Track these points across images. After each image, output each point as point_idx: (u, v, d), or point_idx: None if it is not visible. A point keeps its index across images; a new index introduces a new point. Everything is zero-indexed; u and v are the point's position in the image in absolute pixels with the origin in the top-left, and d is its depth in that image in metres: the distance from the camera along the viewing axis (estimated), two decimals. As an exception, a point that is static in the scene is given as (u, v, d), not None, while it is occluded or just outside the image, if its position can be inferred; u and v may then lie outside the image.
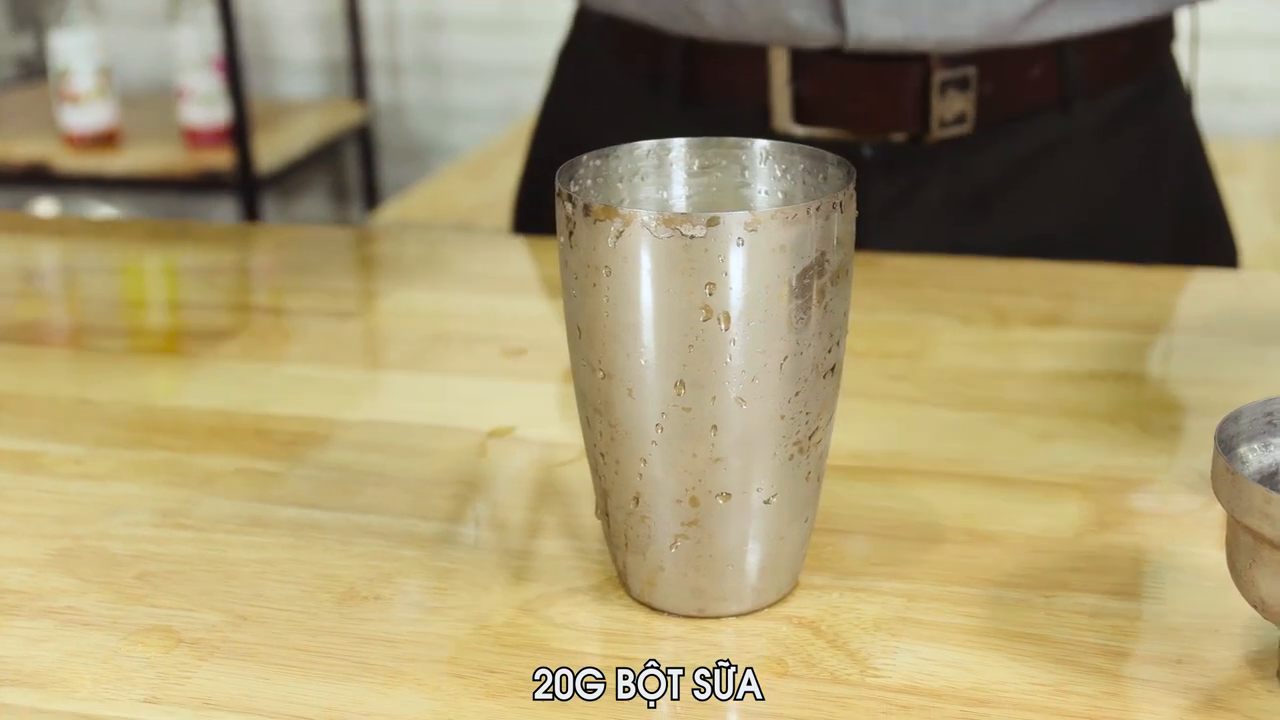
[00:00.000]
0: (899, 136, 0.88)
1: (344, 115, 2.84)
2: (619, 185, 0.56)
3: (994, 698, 0.50)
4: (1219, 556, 0.58)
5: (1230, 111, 2.46)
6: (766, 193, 0.57)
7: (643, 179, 0.57)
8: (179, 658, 0.53)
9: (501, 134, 2.85)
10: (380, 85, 2.95)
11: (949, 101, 0.87)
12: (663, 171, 0.57)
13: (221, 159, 2.53)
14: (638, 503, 0.54)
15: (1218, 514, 0.61)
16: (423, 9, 2.89)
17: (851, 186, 0.52)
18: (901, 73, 0.86)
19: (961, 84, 0.87)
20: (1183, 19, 0.99)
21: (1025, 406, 0.71)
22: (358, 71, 2.87)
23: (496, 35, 2.87)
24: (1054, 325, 0.81)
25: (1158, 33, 0.93)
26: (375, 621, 0.55)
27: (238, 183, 2.50)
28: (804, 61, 0.87)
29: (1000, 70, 0.88)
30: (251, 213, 2.54)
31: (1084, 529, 0.60)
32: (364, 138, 2.91)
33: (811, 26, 0.84)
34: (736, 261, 0.49)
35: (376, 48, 2.93)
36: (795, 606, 0.56)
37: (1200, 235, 0.99)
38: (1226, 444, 0.50)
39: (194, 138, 2.57)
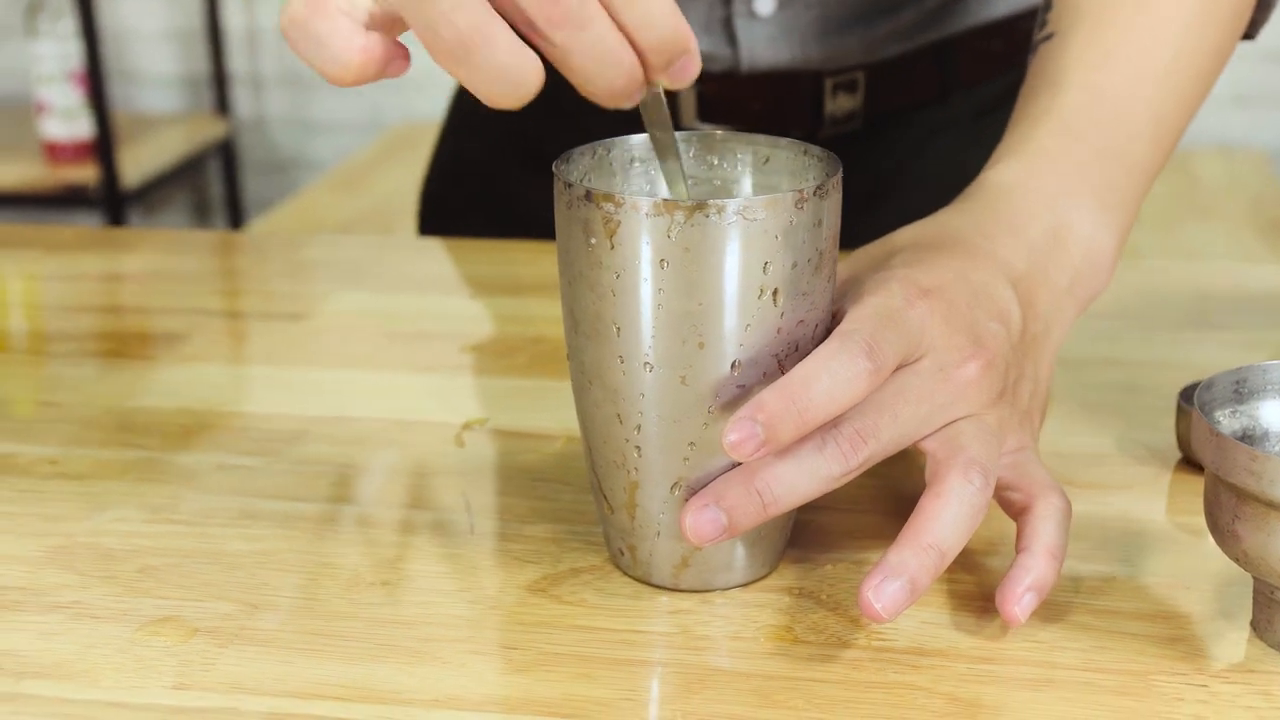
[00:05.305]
0: (795, 133, 0.93)
1: (206, 130, 2.81)
2: (613, 178, 0.58)
3: (997, 655, 0.53)
4: (1177, 520, 0.62)
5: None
6: (754, 181, 0.59)
7: (620, 172, 0.58)
8: (198, 646, 0.54)
9: (366, 146, 2.85)
10: (242, 99, 2.93)
11: (839, 102, 0.94)
12: (644, 164, 0.58)
13: (83, 174, 2.49)
14: (676, 489, 0.55)
15: (1169, 483, 0.65)
16: (285, 22, 2.87)
17: (840, 172, 0.54)
18: (794, 79, 0.92)
19: (850, 86, 0.93)
20: None
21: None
22: (219, 85, 2.84)
23: (360, 48, 2.85)
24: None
25: (1027, 29, 0.99)
26: (386, 605, 0.56)
27: (102, 198, 2.46)
28: (705, 67, 0.91)
29: (885, 73, 0.94)
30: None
31: (1052, 499, 0.63)
32: (226, 152, 2.88)
33: (710, 50, 0.91)
34: (787, 239, 0.51)
35: (238, 61, 2.90)
36: (790, 578, 0.58)
37: None
38: (1205, 408, 0.54)
39: (55, 152, 2.52)
